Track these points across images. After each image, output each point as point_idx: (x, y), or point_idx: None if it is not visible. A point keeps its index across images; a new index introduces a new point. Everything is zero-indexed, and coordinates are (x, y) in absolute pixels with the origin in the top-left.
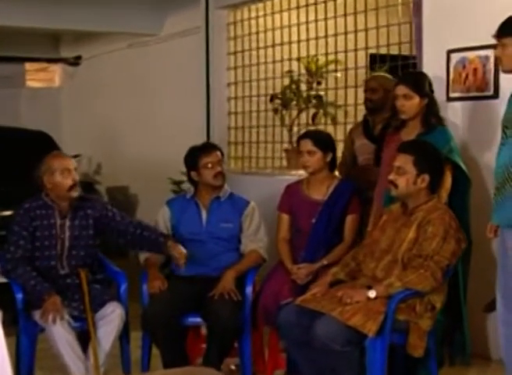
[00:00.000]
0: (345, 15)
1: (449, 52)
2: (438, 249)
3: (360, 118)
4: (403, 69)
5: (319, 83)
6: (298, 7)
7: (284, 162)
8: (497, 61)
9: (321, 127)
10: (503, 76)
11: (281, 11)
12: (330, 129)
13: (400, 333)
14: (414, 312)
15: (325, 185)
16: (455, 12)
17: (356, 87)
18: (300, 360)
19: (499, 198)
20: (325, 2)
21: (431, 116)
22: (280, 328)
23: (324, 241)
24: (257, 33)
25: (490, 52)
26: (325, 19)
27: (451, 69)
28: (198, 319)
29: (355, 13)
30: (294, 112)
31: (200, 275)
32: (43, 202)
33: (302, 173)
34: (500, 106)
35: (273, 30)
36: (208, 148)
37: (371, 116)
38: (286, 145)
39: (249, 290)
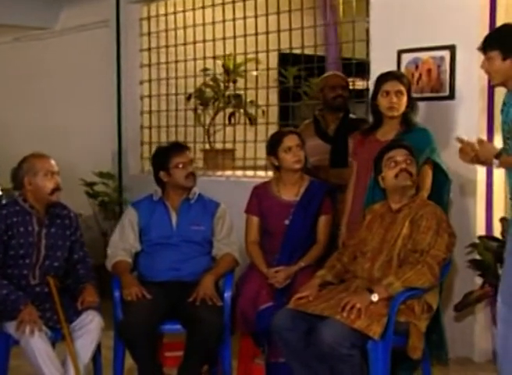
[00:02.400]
0: (266, 15)
1: (400, 52)
2: (433, 243)
3: (272, 119)
4: (319, 69)
5: (235, 81)
6: (213, 5)
7: (201, 163)
8: (487, 74)
9: (239, 127)
10: (459, 77)
11: (201, 7)
12: (248, 129)
13: (401, 335)
14: (413, 313)
15: (297, 186)
16: (405, 14)
17: (268, 87)
18: (295, 365)
19: None
20: (241, 1)
21: (411, 115)
22: (275, 333)
23: (299, 243)
24: (175, 29)
25: (445, 53)
26: (244, 17)
27: (402, 70)
28: (177, 327)
29: (267, 14)
30: (212, 112)
31: (173, 280)
32: (20, 207)
33: (220, 173)
34: (457, 107)
35: (185, 27)
36: (178, 147)
37: (331, 115)
38: (203, 145)
39: (228, 295)
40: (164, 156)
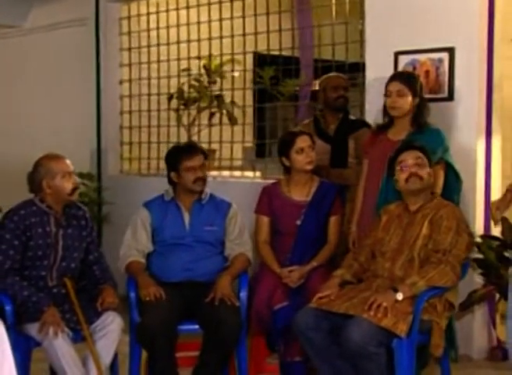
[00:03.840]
0: (243, 17)
1: (397, 54)
2: (454, 243)
3: (248, 119)
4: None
5: (214, 82)
6: (199, 5)
7: None
8: None
9: (217, 128)
10: (458, 79)
11: (175, 9)
12: (228, 129)
13: (425, 333)
14: (435, 311)
15: (307, 186)
16: (402, 15)
17: (244, 88)
18: (320, 364)
19: None
20: (219, 2)
21: (421, 116)
22: (298, 333)
23: (311, 243)
24: (158, 29)
25: (444, 55)
26: (220, 19)
27: None
28: (195, 327)
29: (243, 16)
30: (193, 112)
31: (186, 281)
32: (37, 208)
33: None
34: (456, 108)
35: (158, 28)
36: (190, 150)
37: (331, 115)
38: None
39: (244, 295)
40: (175, 157)
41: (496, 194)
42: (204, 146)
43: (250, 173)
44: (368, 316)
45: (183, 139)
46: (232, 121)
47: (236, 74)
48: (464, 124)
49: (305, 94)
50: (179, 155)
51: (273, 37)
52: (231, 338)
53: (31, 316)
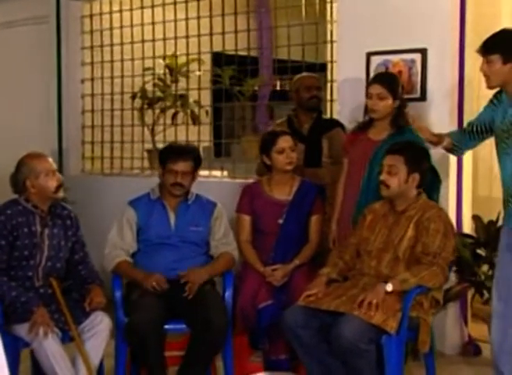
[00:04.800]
0: (210, 16)
1: (370, 55)
2: (442, 246)
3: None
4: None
5: (176, 81)
6: (164, 4)
7: (146, 163)
8: (485, 77)
9: (183, 128)
10: (430, 80)
11: (140, 7)
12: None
13: (412, 329)
14: (422, 308)
15: (288, 185)
16: (374, 17)
17: (199, 88)
18: (309, 362)
19: None
20: (186, 2)
21: (401, 117)
22: (288, 331)
23: (293, 241)
24: (121, 27)
25: (416, 56)
26: (186, 19)
27: (372, 72)
28: (182, 326)
29: (211, 16)
30: (157, 111)
31: (171, 280)
32: (22, 208)
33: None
34: (428, 108)
35: (122, 27)
36: (179, 154)
37: (305, 115)
38: (147, 145)
39: (229, 294)
40: (164, 156)
41: (467, 191)
42: None
43: (217, 173)
44: (358, 313)
45: (147, 138)
46: (196, 121)
47: (200, 73)
48: (436, 124)
49: (264, 94)
50: (167, 155)
51: (232, 38)
52: (219, 337)
53: (20, 316)
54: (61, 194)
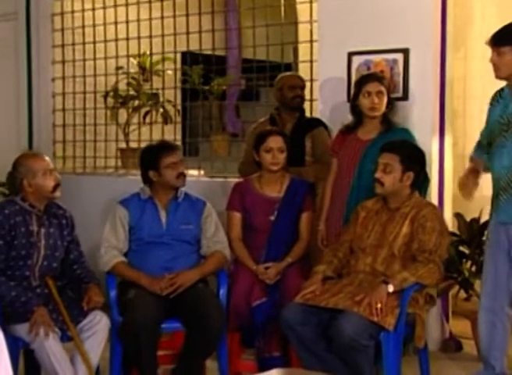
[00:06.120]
0: (187, 15)
1: (351, 54)
2: (438, 244)
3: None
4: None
5: (147, 80)
6: (139, 3)
7: (119, 162)
8: (494, 67)
9: (156, 127)
10: (412, 79)
11: (113, 6)
12: (164, 128)
13: (408, 325)
14: (417, 304)
15: (279, 182)
16: (356, 16)
17: (175, 87)
18: (308, 359)
19: (505, 197)
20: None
21: (390, 116)
22: (287, 328)
23: (284, 239)
24: (94, 26)
25: (399, 56)
26: (162, 17)
27: (353, 71)
28: (177, 325)
29: (187, 14)
30: (129, 110)
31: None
32: (19, 207)
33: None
34: (410, 108)
35: (95, 25)
36: (169, 147)
37: (287, 114)
38: (120, 144)
39: (223, 292)
40: (154, 155)
41: (448, 189)
42: (139, 145)
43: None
44: (358, 310)
45: (121, 137)
46: (168, 120)
47: (170, 72)
48: (418, 123)
49: (233, 93)
50: (157, 153)
51: (204, 37)
52: (215, 334)
53: (20, 316)
54: (58, 193)
